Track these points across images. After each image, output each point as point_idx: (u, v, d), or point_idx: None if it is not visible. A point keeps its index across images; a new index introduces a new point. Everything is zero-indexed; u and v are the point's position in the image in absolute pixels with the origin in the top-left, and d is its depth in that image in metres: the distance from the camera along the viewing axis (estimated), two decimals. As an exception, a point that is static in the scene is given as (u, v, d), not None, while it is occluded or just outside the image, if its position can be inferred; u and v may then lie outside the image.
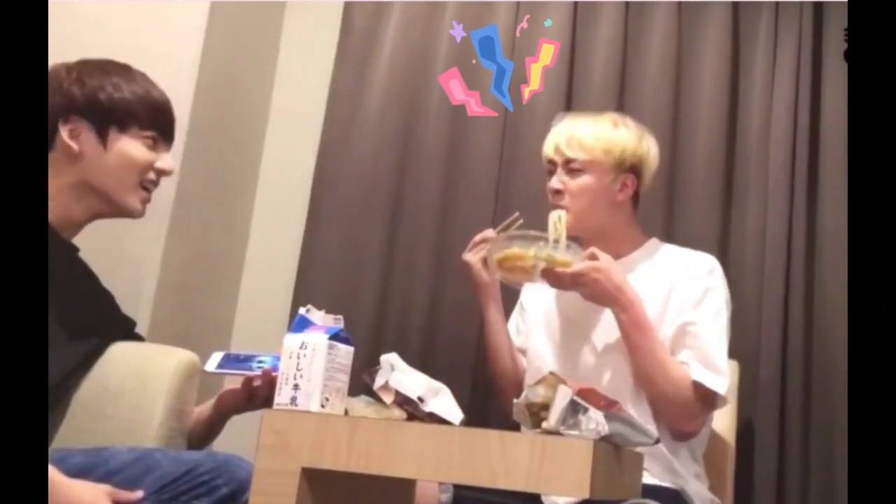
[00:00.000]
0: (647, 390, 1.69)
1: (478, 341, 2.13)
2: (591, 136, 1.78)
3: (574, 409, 1.10)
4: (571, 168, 1.78)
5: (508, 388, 1.88)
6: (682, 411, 1.68)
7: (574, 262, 1.66)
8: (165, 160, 1.59)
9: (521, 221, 1.84)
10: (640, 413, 1.68)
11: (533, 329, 1.90)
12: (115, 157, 1.52)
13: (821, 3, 2.27)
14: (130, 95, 1.54)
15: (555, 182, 1.80)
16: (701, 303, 1.73)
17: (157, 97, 1.58)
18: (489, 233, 1.86)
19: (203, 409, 1.65)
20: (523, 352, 1.93)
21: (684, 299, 1.74)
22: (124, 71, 1.58)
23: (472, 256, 1.88)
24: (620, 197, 1.81)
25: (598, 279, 1.65)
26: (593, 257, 1.67)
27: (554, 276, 1.66)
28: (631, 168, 1.80)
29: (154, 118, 1.57)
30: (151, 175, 1.57)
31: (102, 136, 1.52)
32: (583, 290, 1.68)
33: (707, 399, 1.68)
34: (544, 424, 1.13)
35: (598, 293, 1.67)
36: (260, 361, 1.54)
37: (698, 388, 1.66)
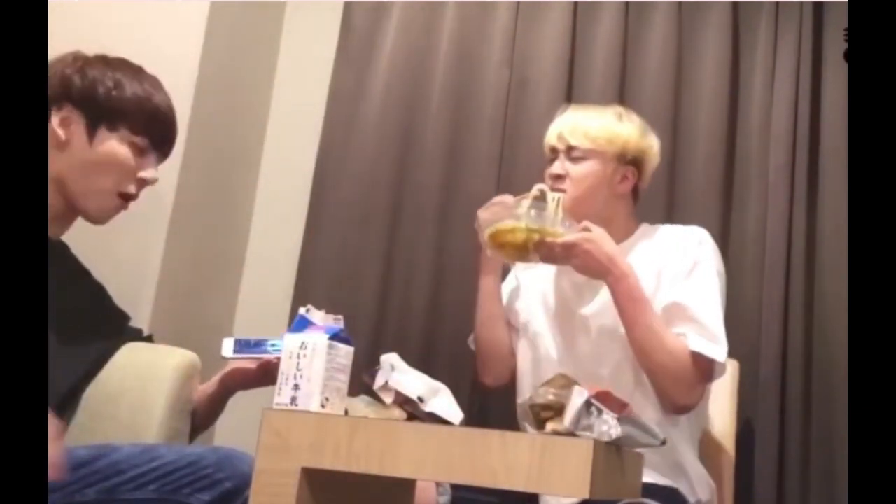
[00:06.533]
0: (645, 363, 1.67)
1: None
2: (595, 125, 1.79)
3: (588, 410, 1.10)
4: (574, 156, 1.79)
5: (492, 358, 1.89)
6: (682, 382, 1.66)
7: (566, 234, 1.64)
8: (150, 170, 1.53)
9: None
10: (644, 395, 1.68)
11: (533, 309, 1.88)
12: (98, 154, 1.47)
13: (821, 3, 2.27)
14: (130, 96, 1.49)
15: (556, 167, 1.79)
16: (692, 274, 1.72)
17: (158, 104, 1.53)
18: (507, 197, 1.75)
19: (207, 386, 1.65)
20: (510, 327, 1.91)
21: (675, 272, 1.73)
22: (133, 71, 1.53)
23: (484, 212, 1.73)
24: (620, 189, 1.81)
25: (590, 250, 1.63)
26: (586, 230, 1.65)
27: (545, 248, 1.63)
28: (633, 161, 1.81)
29: (148, 124, 1.51)
30: (131, 186, 1.52)
31: (91, 131, 1.47)
32: (574, 261, 1.65)
33: (705, 368, 1.67)
34: (549, 425, 1.13)
35: (589, 264, 1.65)
36: (273, 345, 1.56)
37: (696, 357, 1.65)
